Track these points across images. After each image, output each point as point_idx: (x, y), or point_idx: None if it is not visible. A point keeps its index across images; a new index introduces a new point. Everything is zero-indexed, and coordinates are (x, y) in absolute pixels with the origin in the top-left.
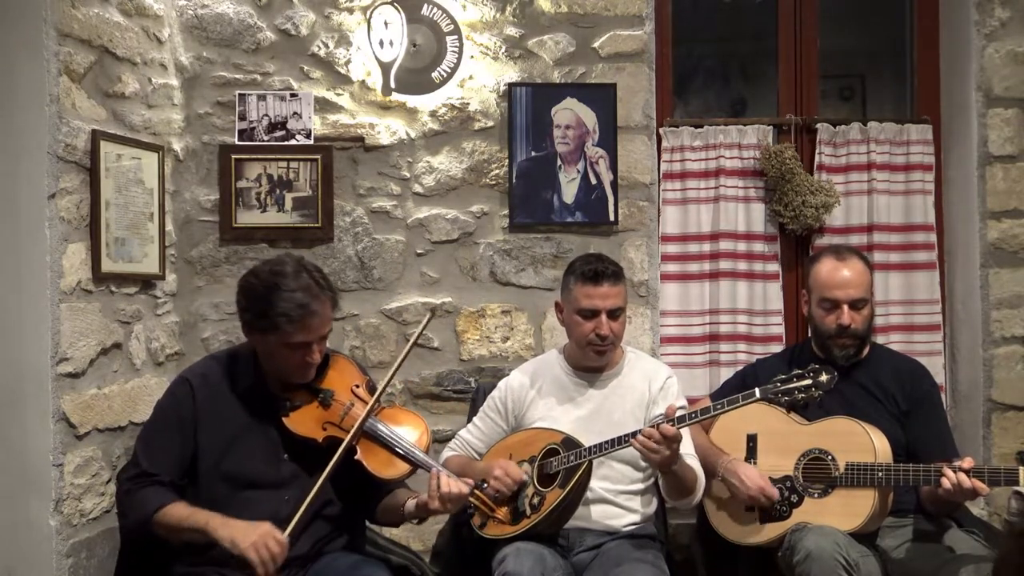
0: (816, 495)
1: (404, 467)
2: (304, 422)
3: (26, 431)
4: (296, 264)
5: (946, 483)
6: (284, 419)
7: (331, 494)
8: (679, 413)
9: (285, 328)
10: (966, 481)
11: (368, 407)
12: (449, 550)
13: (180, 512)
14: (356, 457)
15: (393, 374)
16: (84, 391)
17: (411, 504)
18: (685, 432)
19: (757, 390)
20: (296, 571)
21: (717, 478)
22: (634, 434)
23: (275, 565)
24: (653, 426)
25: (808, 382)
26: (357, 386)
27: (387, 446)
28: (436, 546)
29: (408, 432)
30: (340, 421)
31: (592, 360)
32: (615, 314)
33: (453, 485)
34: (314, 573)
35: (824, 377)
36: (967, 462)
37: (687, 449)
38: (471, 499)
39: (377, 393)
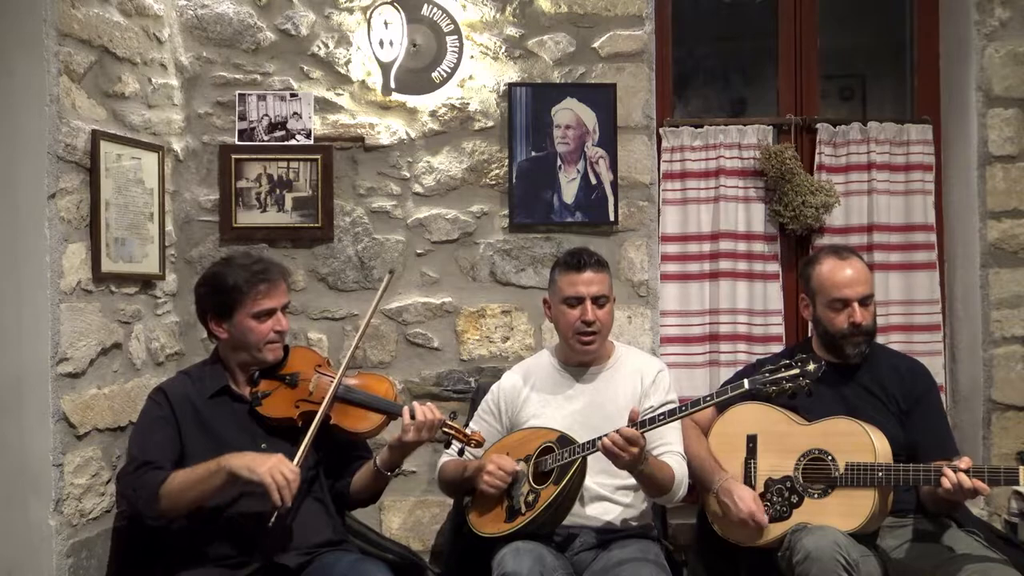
0: (816, 495)
1: (377, 418)
2: (277, 406)
3: (26, 431)
4: (240, 252)
5: (946, 483)
6: (258, 409)
7: (314, 473)
8: (668, 407)
9: (245, 291)
10: (967, 481)
11: (339, 372)
12: (449, 550)
13: (183, 474)
14: (331, 422)
15: (362, 334)
16: (84, 391)
17: (383, 453)
18: (673, 428)
19: (746, 381)
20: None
21: (712, 493)
22: (600, 438)
23: (290, 492)
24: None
25: (796, 371)
26: (319, 365)
27: (358, 404)
28: (436, 546)
29: (374, 387)
30: (310, 395)
31: (580, 352)
32: (600, 301)
33: (427, 411)
34: (314, 571)
35: (811, 366)
36: (964, 462)
37: (674, 446)
38: (445, 429)
39: (348, 355)
